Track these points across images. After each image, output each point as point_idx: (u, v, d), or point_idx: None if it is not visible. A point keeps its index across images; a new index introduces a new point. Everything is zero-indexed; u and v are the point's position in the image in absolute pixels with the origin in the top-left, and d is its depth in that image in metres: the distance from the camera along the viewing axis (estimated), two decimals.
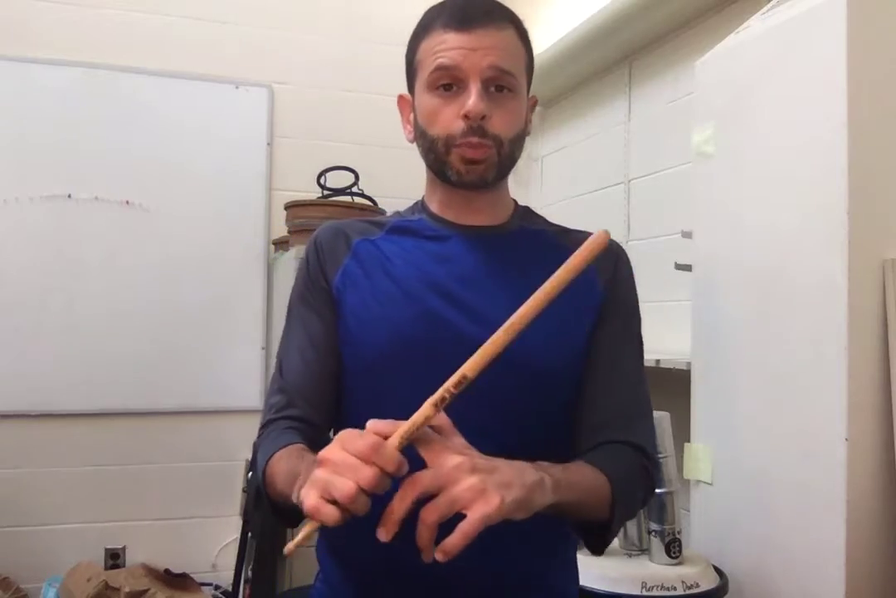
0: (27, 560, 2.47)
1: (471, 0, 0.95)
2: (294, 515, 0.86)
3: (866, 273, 1.25)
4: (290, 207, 2.51)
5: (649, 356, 1.95)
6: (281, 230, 2.66)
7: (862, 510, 1.22)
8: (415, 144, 1.01)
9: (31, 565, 2.47)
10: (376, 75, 2.86)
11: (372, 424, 0.70)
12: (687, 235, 1.70)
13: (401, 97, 1.05)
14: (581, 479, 0.83)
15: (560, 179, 2.86)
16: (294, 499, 0.73)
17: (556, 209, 2.83)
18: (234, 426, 2.71)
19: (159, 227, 2.64)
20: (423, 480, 0.68)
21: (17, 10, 2.53)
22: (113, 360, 2.58)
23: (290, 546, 0.69)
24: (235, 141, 2.74)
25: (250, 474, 2.31)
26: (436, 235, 1.00)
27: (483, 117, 0.91)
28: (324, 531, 0.99)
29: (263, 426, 0.98)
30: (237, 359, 2.73)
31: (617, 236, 2.48)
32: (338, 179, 2.57)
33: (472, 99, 0.90)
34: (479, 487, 0.67)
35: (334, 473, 0.66)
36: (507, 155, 0.95)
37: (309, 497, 0.66)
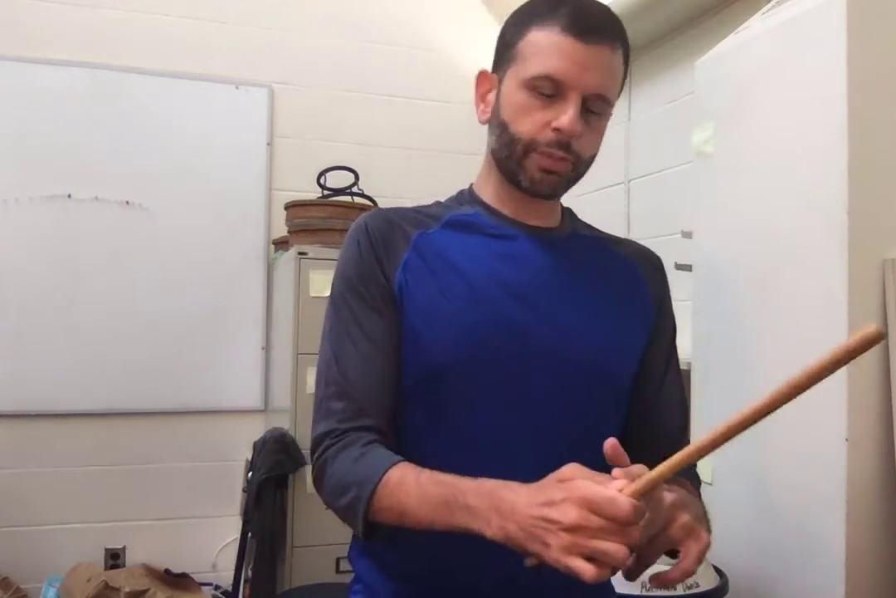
0: (27, 560, 2.47)
1: (595, 5, 0.91)
2: (377, 531, 0.85)
3: (866, 273, 1.25)
4: (290, 207, 2.51)
5: None
6: (281, 230, 2.66)
7: (862, 510, 1.22)
8: (486, 127, 0.97)
9: (31, 565, 2.47)
10: (376, 75, 2.86)
11: (616, 484, 0.68)
12: (687, 235, 1.70)
13: (482, 74, 0.98)
14: (701, 514, 0.87)
15: None
16: (473, 528, 0.74)
17: None
18: (235, 426, 2.71)
19: (159, 227, 2.64)
20: (657, 525, 0.73)
21: (17, 10, 2.53)
22: (113, 360, 2.58)
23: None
24: (235, 141, 2.74)
25: (251, 474, 2.31)
26: (502, 234, 0.96)
27: (573, 135, 0.89)
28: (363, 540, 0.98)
29: (330, 435, 0.89)
30: (237, 359, 2.73)
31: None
32: (338, 179, 2.56)
33: (570, 116, 0.87)
34: (690, 524, 0.74)
35: (595, 538, 0.66)
36: (580, 173, 0.94)
37: (584, 568, 0.66)
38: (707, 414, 1.59)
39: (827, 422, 1.25)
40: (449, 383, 0.90)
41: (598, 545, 0.66)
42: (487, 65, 1.00)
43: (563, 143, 0.88)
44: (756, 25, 1.51)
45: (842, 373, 1.22)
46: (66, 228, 2.55)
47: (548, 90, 0.88)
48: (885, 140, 1.26)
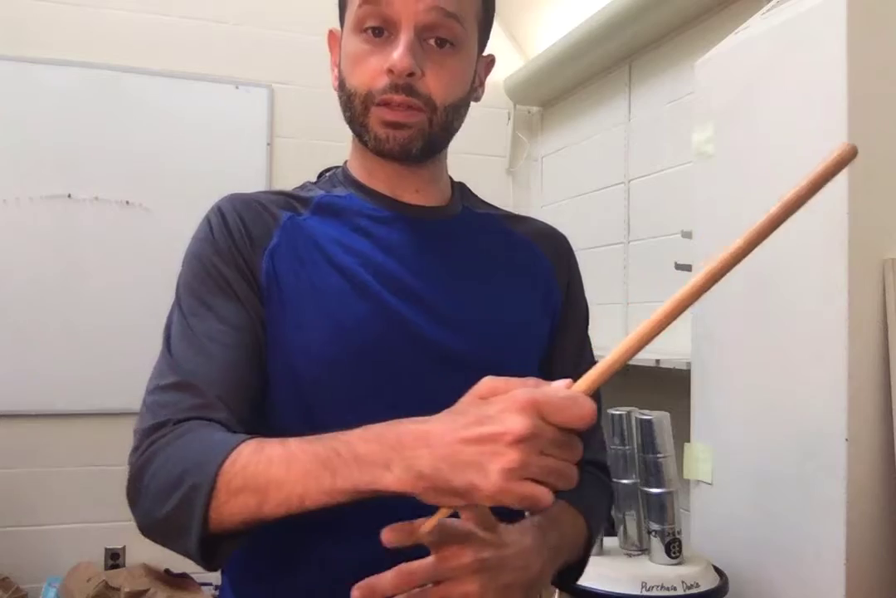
0: (27, 560, 2.47)
1: None
2: (220, 548, 0.63)
3: (866, 273, 1.25)
4: None
5: (650, 356, 1.96)
6: None
7: (862, 510, 1.22)
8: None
9: (31, 565, 2.47)
10: None
11: (566, 383, 0.54)
12: (687, 235, 1.70)
13: (331, 33, 0.85)
14: (568, 534, 0.75)
15: (560, 179, 2.86)
16: (363, 485, 0.55)
17: (556, 209, 2.83)
18: None
19: (159, 227, 2.64)
20: (423, 573, 0.59)
21: (17, 10, 2.53)
22: (113, 360, 2.58)
23: (430, 525, 0.57)
24: (235, 141, 2.74)
25: None
26: (379, 217, 0.82)
27: (411, 74, 0.74)
28: (236, 575, 0.82)
29: (161, 426, 0.69)
30: None
31: (617, 236, 2.51)
32: None
33: (399, 51, 0.73)
34: (477, 594, 0.59)
35: (545, 453, 0.51)
36: (440, 124, 0.78)
37: (542, 492, 0.51)
38: (706, 414, 1.59)
39: (827, 422, 1.25)
40: (327, 392, 0.75)
41: (553, 463, 0.51)
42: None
43: (402, 85, 0.74)
44: (756, 25, 1.51)
45: (842, 373, 1.23)
46: (66, 228, 2.55)
47: (374, 22, 0.75)
48: (885, 140, 1.26)
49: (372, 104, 0.76)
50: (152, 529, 0.66)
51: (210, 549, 0.62)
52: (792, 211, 0.54)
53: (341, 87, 0.80)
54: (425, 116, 0.76)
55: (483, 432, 0.51)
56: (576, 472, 0.52)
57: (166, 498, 0.63)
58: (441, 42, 0.76)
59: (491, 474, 0.50)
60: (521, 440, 0.50)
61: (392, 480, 0.54)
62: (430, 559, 0.59)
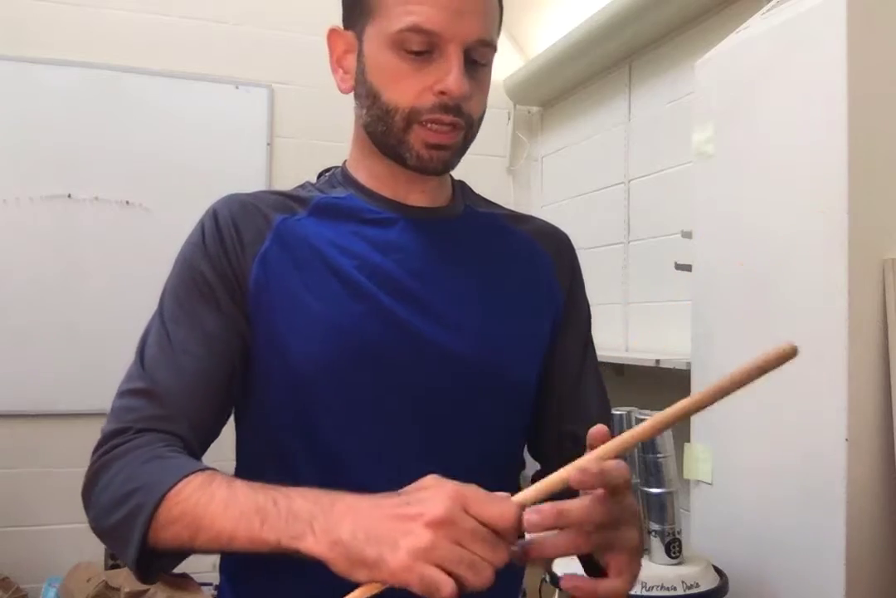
0: (27, 560, 2.47)
1: None
2: (155, 563, 0.67)
3: (866, 273, 1.25)
4: None
5: (649, 356, 1.96)
6: None
7: (862, 510, 1.22)
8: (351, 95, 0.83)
9: (31, 565, 2.47)
10: None
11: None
12: (687, 235, 1.70)
13: (334, 32, 0.83)
14: None
15: (560, 179, 2.86)
16: (284, 542, 0.56)
17: (556, 209, 2.83)
18: (233, 426, 2.70)
19: (159, 227, 2.64)
20: (602, 514, 0.56)
21: (17, 10, 2.53)
22: (113, 360, 2.57)
23: None
24: (235, 141, 2.74)
25: None
26: (378, 219, 0.82)
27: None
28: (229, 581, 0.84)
29: (120, 433, 0.71)
30: None
31: (617, 236, 2.51)
32: None
33: (455, 76, 0.74)
34: (638, 539, 0.59)
35: (462, 545, 0.51)
36: (471, 137, 0.81)
37: (443, 579, 0.50)
38: (706, 414, 1.59)
39: (827, 422, 1.25)
40: (321, 397, 0.76)
41: (465, 554, 0.50)
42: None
43: (452, 106, 0.75)
44: (756, 25, 1.51)
45: (842, 373, 1.23)
46: (66, 228, 2.55)
47: (421, 46, 0.74)
48: (885, 140, 1.26)
49: (415, 122, 0.76)
50: (101, 535, 0.70)
51: (148, 563, 0.67)
52: (722, 396, 0.57)
53: (371, 98, 0.78)
54: (463, 133, 0.78)
55: (405, 511, 0.53)
56: (490, 572, 0.51)
57: (114, 510, 0.66)
58: (478, 61, 0.78)
59: (399, 550, 0.51)
60: (436, 523, 0.51)
61: (311, 541, 0.55)
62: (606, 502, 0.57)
